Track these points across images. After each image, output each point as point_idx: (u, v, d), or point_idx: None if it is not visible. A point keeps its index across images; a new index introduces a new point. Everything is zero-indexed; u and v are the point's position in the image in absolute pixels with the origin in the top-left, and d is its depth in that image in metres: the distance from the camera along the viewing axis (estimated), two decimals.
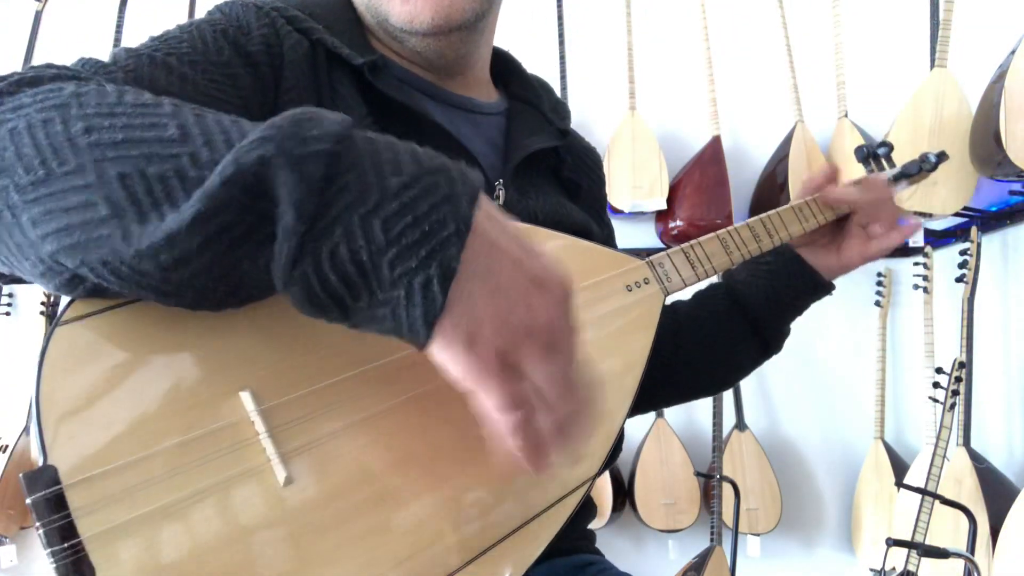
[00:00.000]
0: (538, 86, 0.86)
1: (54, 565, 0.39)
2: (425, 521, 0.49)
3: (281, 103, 0.64)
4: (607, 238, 0.90)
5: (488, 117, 0.79)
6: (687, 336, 0.89)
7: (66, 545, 0.40)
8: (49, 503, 0.40)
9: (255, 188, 0.38)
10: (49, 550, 0.39)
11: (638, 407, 0.94)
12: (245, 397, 0.46)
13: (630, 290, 0.67)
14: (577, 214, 0.80)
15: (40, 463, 0.41)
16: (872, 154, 0.96)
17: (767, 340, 0.89)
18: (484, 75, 0.82)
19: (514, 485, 0.53)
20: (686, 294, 0.93)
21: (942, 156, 0.94)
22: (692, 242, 0.74)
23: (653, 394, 0.90)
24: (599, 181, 0.90)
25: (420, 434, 0.51)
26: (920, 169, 0.93)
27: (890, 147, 0.95)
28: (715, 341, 0.89)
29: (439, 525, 0.49)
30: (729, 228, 0.78)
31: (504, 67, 0.86)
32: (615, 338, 0.64)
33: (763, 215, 0.81)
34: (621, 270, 0.67)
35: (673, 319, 0.90)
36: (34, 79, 0.46)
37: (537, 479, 0.54)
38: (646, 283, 0.68)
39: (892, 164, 0.96)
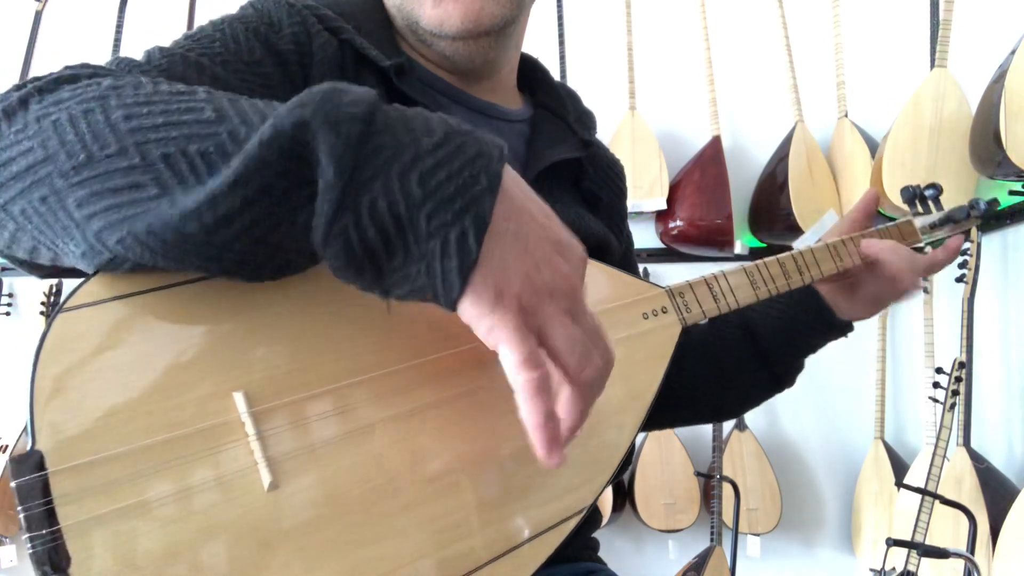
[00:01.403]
0: (564, 95, 0.86)
1: (32, 550, 0.40)
2: (410, 538, 0.48)
3: None
4: (626, 250, 0.89)
5: (511, 124, 0.79)
6: (694, 360, 0.87)
7: (45, 532, 0.40)
8: (32, 488, 0.40)
9: (292, 150, 0.40)
10: (28, 535, 0.40)
11: (640, 427, 0.93)
12: (238, 398, 0.46)
13: (646, 318, 0.65)
14: (595, 226, 0.79)
15: (28, 448, 0.41)
16: (919, 195, 0.91)
17: (777, 374, 0.86)
18: (511, 81, 0.82)
19: (503, 510, 0.52)
20: None
21: (993, 204, 0.89)
22: (717, 272, 0.71)
23: (655, 416, 0.89)
24: (620, 193, 0.89)
25: (412, 450, 0.50)
26: (968, 215, 0.88)
27: (939, 189, 0.90)
28: (722, 368, 0.87)
29: (424, 543, 0.49)
30: (758, 262, 0.75)
31: (531, 74, 0.86)
32: (625, 368, 0.62)
33: (795, 251, 0.77)
34: (639, 297, 0.65)
35: (684, 341, 0.89)
36: (72, 77, 0.47)
37: (530, 500, 0.53)
38: (664, 312, 0.66)
39: (940, 206, 0.91)
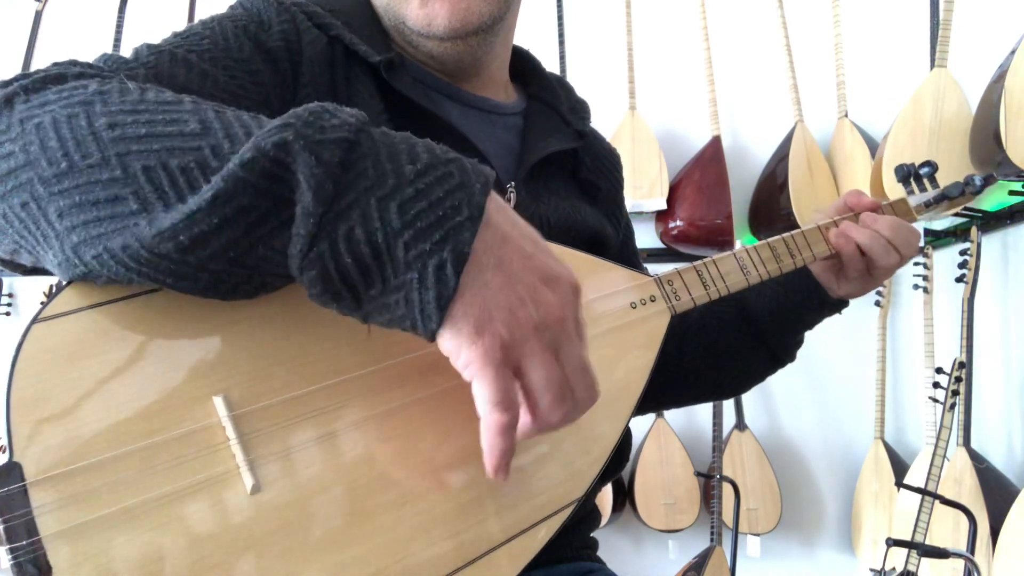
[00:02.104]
0: (557, 85, 0.85)
1: (12, 561, 0.39)
2: (395, 537, 0.48)
3: (299, 98, 0.64)
4: (625, 240, 0.88)
5: (505, 117, 0.78)
6: (692, 341, 0.87)
7: (25, 542, 0.40)
8: (12, 499, 0.40)
9: (273, 172, 0.39)
10: (8, 546, 0.39)
11: (640, 408, 0.93)
12: (218, 402, 0.46)
13: (635, 307, 0.65)
14: (591, 217, 0.79)
15: (7, 459, 0.41)
16: (914, 174, 0.90)
17: (774, 351, 0.85)
18: (502, 75, 0.81)
19: (492, 504, 0.52)
20: None
21: (989, 179, 0.88)
22: (707, 259, 0.71)
23: (655, 397, 0.87)
24: (617, 183, 0.88)
25: (396, 448, 0.50)
26: (963, 192, 0.87)
27: (933, 167, 0.89)
28: (720, 348, 0.87)
29: (411, 540, 0.48)
30: (748, 246, 0.74)
31: (523, 66, 0.85)
32: (614, 357, 0.62)
33: (786, 234, 0.77)
34: (627, 286, 0.65)
35: (681, 322, 0.87)
36: (59, 76, 0.46)
37: (515, 497, 0.53)
38: (652, 300, 0.66)
39: (935, 184, 0.90)
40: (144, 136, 0.41)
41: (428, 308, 0.40)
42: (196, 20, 0.65)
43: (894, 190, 1.91)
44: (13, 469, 0.41)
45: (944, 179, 0.90)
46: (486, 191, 0.42)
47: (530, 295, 0.42)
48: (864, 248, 0.77)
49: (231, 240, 0.40)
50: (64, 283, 0.46)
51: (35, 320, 0.44)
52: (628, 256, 0.89)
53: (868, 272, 0.79)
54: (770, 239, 0.76)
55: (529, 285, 0.42)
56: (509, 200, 0.71)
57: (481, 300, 0.41)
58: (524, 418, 0.44)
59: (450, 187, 0.41)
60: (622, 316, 0.64)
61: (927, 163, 0.90)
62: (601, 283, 0.64)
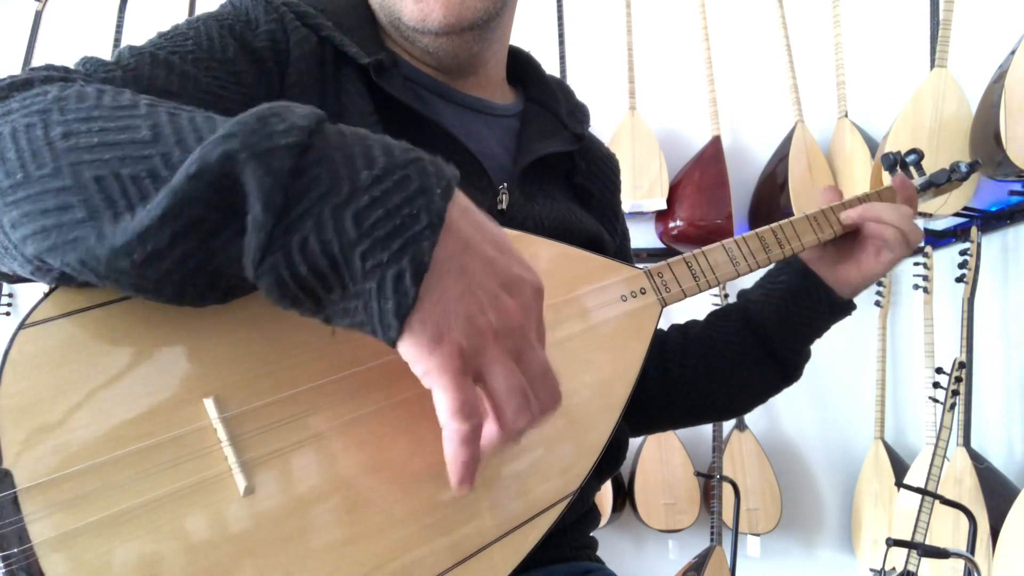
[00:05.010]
0: (556, 88, 0.84)
1: (4, 570, 0.39)
2: (391, 534, 0.48)
3: (286, 98, 0.63)
4: (620, 247, 0.87)
5: (500, 119, 0.78)
6: (695, 356, 0.85)
7: (17, 550, 0.39)
8: (3, 507, 0.40)
9: (221, 184, 0.38)
10: (1, 555, 0.39)
11: (645, 428, 0.90)
12: (208, 404, 0.45)
13: (624, 300, 0.64)
14: (587, 222, 0.78)
15: None
16: (900, 161, 0.89)
17: (783, 364, 0.83)
18: (499, 75, 0.81)
19: (485, 500, 0.52)
20: (701, 312, 0.91)
21: (975, 165, 0.88)
22: (696, 251, 0.70)
23: (658, 415, 0.87)
24: (614, 188, 0.87)
25: (388, 446, 0.50)
26: (949, 179, 0.87)
27: (920, 154, 0.89)
28: (724, 362, 0.84)
29: (405, 538, 0.48)
30: (737, 237, 0.73)
31: (522, 67, 0.85)
32: (605, 350, 0.62)
33: (775, 224, 0.76)
34: (616, 279, 0.65)
35: (683, 338, 0.87)
36: (25, 82, 0.46)
37: (509, 492, 0.53)
38: (642, 293, 0.66)
39: (921, 172, 0.89)
40: (96, 145, 0.41)
41: (387, 318, 0.39)
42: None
43: None
44: (4, 477, 0.40)
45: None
46: (447, 195, 0.41)
47: (490, 302, 0.41)
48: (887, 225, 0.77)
49: (187, 252, 0.39)
50: (49, 288, 0.45)
51: (21, 326, 0.43)
52: (623, 261, 0.88)
53: (878, 252, 0.79)
54: (758, 229, 0.75)
55: (490, 291, 0.41)
56: (502, 202, 0.71)
57: (440, 309, 0.40)
58: (491, 427, 0.43)
59: (408, 193, 0.39)
60: (612, 309, 0.64)
61: (913, 151, 0.90)
62: (591, 276, 0.64)
